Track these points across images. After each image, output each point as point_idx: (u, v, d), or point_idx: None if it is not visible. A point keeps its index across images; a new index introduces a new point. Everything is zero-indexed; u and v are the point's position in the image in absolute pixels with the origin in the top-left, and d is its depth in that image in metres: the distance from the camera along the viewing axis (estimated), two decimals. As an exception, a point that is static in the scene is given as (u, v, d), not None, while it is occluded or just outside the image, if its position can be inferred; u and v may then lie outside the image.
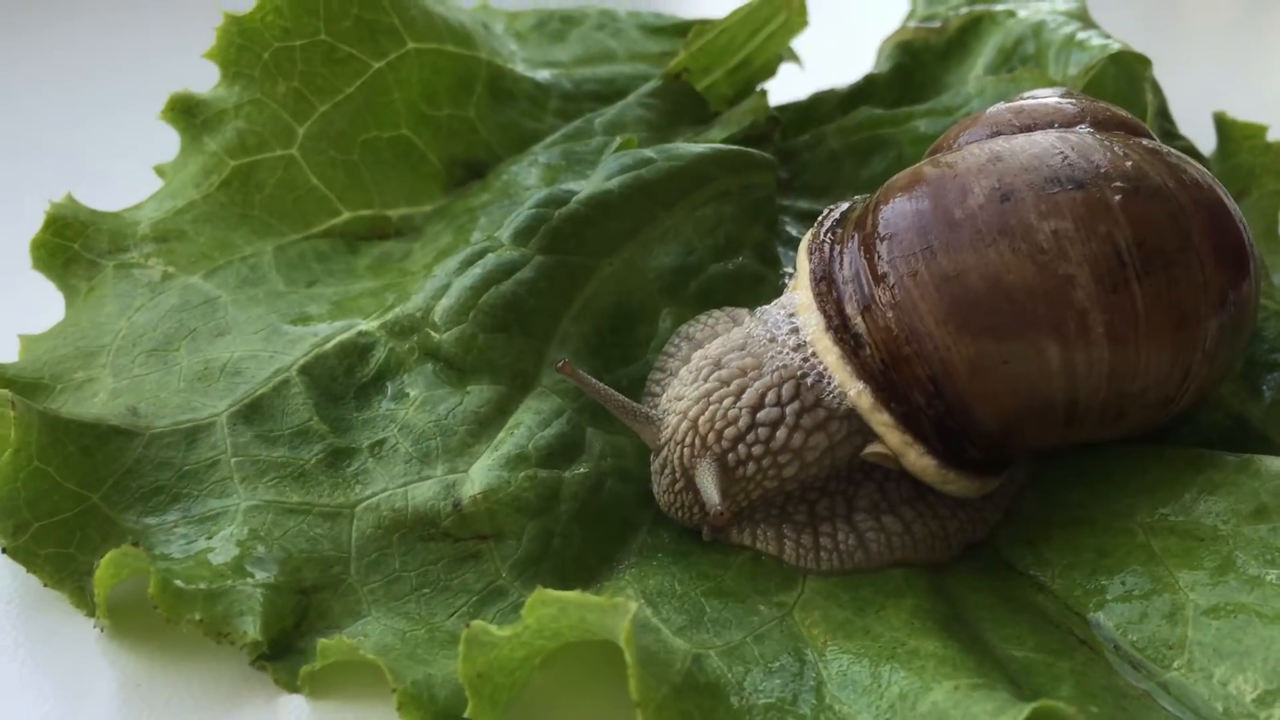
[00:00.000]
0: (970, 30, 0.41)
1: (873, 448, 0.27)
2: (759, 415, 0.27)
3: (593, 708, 0.25)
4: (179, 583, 0.25)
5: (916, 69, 0.42)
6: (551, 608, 0.23)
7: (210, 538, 0.26)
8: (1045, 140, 0.28)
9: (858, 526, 0.28)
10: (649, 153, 0.33)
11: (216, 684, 0.25)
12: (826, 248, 0.29)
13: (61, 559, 0.26)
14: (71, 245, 0.33)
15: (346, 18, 0.36)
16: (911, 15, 0.44)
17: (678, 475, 0.28)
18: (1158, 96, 0.36)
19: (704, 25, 0.41)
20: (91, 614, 0.26)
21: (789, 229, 0.36)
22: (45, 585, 0.26)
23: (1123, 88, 0.38)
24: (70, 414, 0.27)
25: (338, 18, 0.35)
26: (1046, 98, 0.30)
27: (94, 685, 0.25)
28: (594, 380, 0.28)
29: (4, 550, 0.26)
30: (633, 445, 0.29)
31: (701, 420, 0.27)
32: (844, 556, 0.27)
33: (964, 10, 0.42)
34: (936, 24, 0.42)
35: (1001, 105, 0.31)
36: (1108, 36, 0.38)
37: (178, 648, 0.26)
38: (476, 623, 0.23)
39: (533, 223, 0.31)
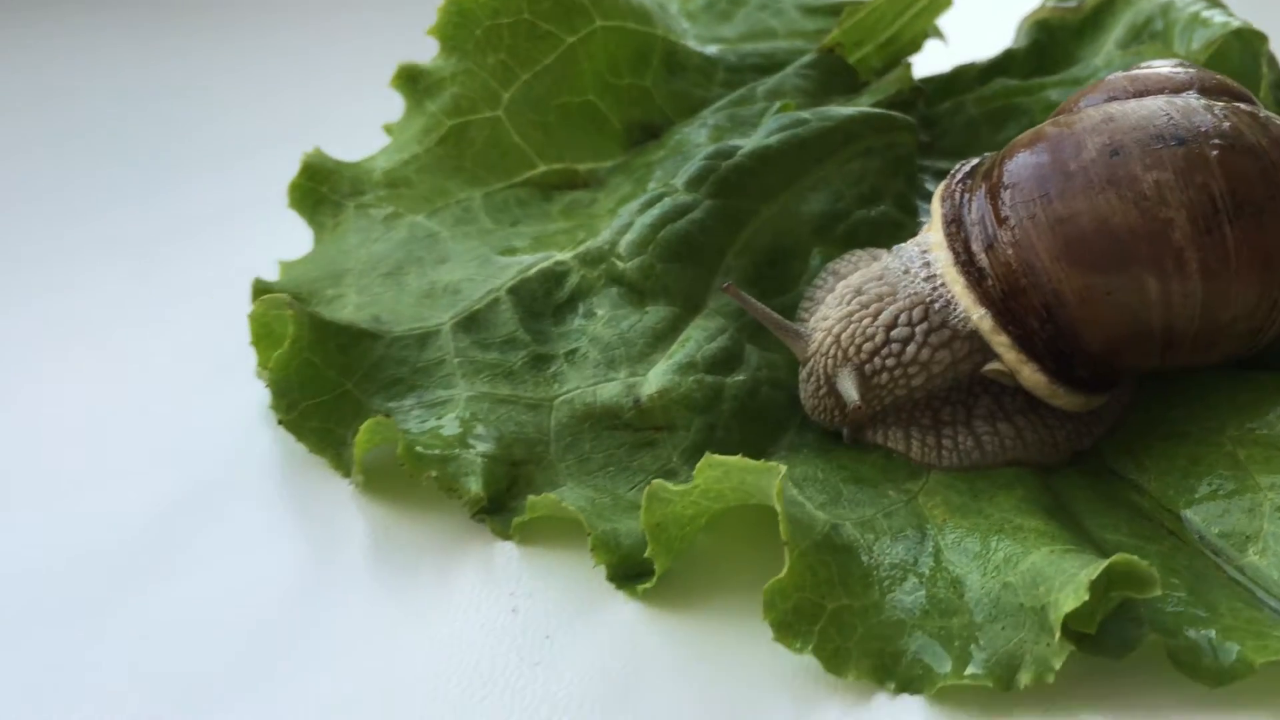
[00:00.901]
0: (1104, 9, 0.45)
1: (991, 365, 0.32)
2: (892, 333, 0.32)
3: (744, 570, 0.30)
4: (419, 448, 0.31)
5: (1052, 45, 0.46)
6: (717, 470, 0.28)
7: (440, 418, 0.33)
8: (1154, 104, 0.32)
9: (975, 430, 0.32)
10: (805, 114, 0.38)
11: (445, 531, 0.31)
12: (957, 195, 0.33)
13: (323, 431, 0.33)
14: (320, 189, 0.39)
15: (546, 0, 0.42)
16: (1050, -4, 0.48)
17: (821, 382, 0.33)
18: (1273, 69, 0.39)
19: (856, 5, 0.46)
20: (347, 475, 0.33)
21: (928, 185, 0.41)
22: (310, 451, 0.33)
23: (1246, 62, 0.41)
24: (330, 317, 0.34)
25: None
26: (1160, 67, 0.34)
27: (349, 529, 0.32)
28: (754, 300, 0.33)
29: (279, 422, 0.33)
30: (783, 359, 0.34)
31: (844, 336, 0.32)
32: (962, 455, 0.32)
33: (1098, -9, 0.45)
34: (1073, 4, 0.46)
35: (1119, 73, 0.35)
36: (1230, 15, 0.41)
37: (415, 502, 0.32)
38: (657, 481, 0.28)
39: (703, 172, 0.36)
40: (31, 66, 0.52)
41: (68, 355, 0.37)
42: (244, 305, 0.38)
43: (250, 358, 0.37)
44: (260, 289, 0.37)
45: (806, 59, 0.43)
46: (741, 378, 0.34)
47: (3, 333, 0.37)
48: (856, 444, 0.33)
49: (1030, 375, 0.32)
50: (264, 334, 0.35)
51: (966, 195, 0.33)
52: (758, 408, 0.33)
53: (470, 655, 0.28)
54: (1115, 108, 0.32)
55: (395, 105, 0.42)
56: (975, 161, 0.35)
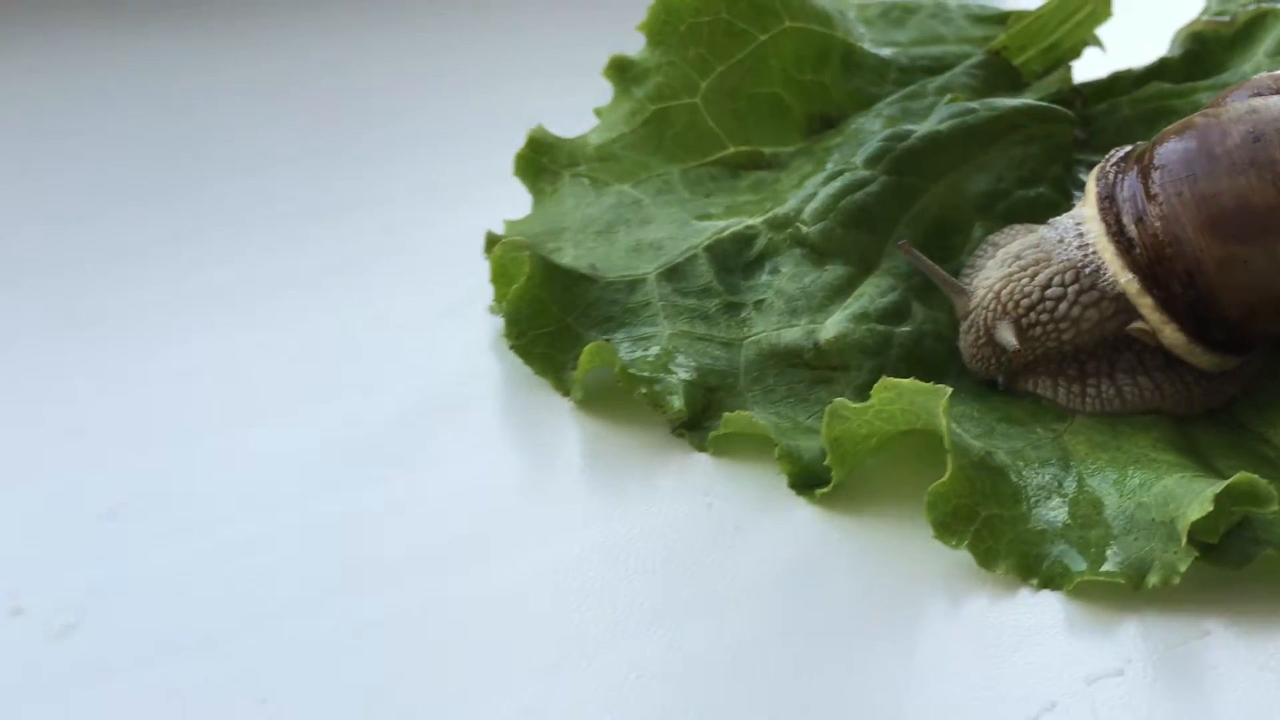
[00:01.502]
0: (1256, 23, 0.49)
1: (1135, 324, 0.36)
2: (1047, 292, 0.37)
3: (906, 488, 0.35)
4: (631, 370, 0.37)
5: (1205, 55, 0.49)
6: (890, 392, 0.33)
7: (646, 350, 0.38)
8: (1296, 99, 0.36)
9: (1118, 382, 0.36)
10: (973, 104, 0.42)
11: (648, 444, 0.37)
12: (1110, 175, 0.38)
13: (547, 357, 0.39)
14: (542, 159, 0.46)
15: (742, 2, 0.47)
16: (1205, 11, 0.51)
17: (981, 333, 0.37)
18: None
19: (1022, 13, 0.50)
20: (565, 394, 0.39)
21: (1081, 176, 0.45)
22: (535, 373, 0.39)
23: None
24: (556, 261, 0.40)
25: (736, 0, 0.47)
26: (1304, 68, 0.38)
27: (566, 439, 0.38)
28: (924, 257, 0.38)
29: (511, 347, 0.39)
30: (945, 317, 0.39)
31: (1003, 293, 0.37)
32: (1104, 402, 0.36)
33: (1251, 7, 0.49)
34: (1226, 18, 0.50)
35: (1264, 74, 0.39)
36: (1378, 27, 0.44)
37: (622, 419, 0.38)
38: (838, 400, 0.33)
39: (880, 152, 0.41)
40: (291, 55, 0.60)
41: (332, 290, 0.44)
42: (472, 258, 0.44)
43: (480, 300, 0.43)
44: (492, 240, 0.43)
45: (974, 60, 0.48)
46: (908, 329, 0.38)
47: (289, 267, 0.45)
48: (1009, 391, 0.38)
49: (1171, 335, 0.36)
50: (500, 273, 0.41)
51: (1120, 175, 0.37)
52: (921, 355, 0.38)
53: (672, 540, 0.34)
54: (1259, 101, 0.36)
55: (592, 94, 0.47)
56: (1128, 148, 0.39)
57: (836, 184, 0.41)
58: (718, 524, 0.34)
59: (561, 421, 0.38)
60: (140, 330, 0.42)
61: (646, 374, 0.37)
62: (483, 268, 0.43)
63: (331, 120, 0.54)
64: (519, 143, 0.46)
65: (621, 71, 0.47)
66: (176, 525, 0.34)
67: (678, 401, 0.37)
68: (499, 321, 0.41)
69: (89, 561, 0.33)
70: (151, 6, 0.64)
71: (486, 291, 0.43)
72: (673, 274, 0.41)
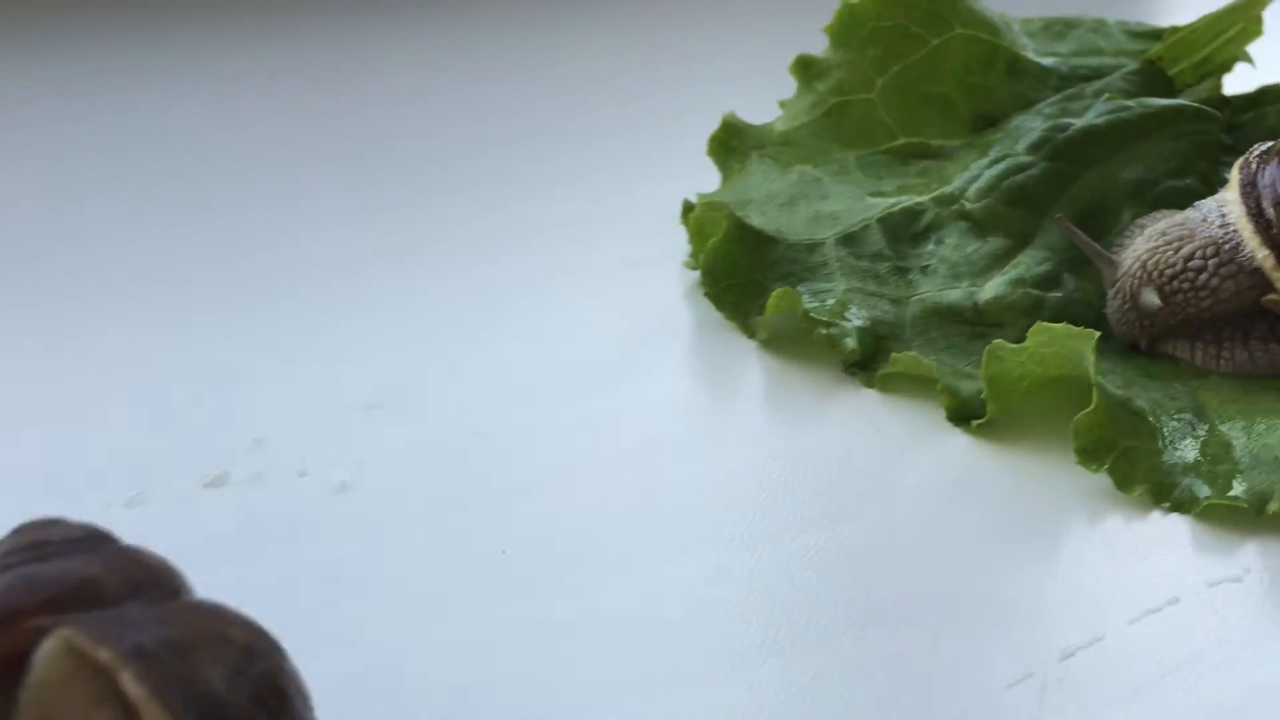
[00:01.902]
0: (1404, 44, 0.52)
1: (1270, 296, 0.40)
2: (1189, 263, 0.41)
3: (1052, 430, 0.40)
4: (812, 314, 0.42)
5: (1352, 72, 0.53)
6: (1044, 335, 0.38)
7: (824, 301, 0.44)
8: None
9: (1250, 347, 0.41)
10: (1129, 102, 0.47)
11: (824, 380, 0.42)
12: (1253, 165, 0.42)
13: (736, 304, 0.45)
14: (732, 141, 0.52)
15: (919, 9, 0.52)
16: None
17: (1127, 298, 0.42)
18: None
19: (1176, 28, 0.54)
20: (751, 336, 0.44)
21: (1226, 175, 0.49)
22: (725, 318, 0.45)
23: None
24: (750, 214, 0.46)
25: (914, 8, 0.52)
26: None
27: (750, 373, 0.43)
28: (1078, 230, 0.43)
29: (705, 294, 0.45)
30: (1094, 288, 0.44)
31: (1149, 262, 0.41)
32: (1238, 365, 0.41)
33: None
34: (1375, 39, 0.53)
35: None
36: None
37: (801, 358, 0.43)
38: (997, 341, 0.38)
39: (1041, 140, 0.46)
40: (485, 59, 0.68)
41: (553, 243, 0.51)
42: (665, 224, 0.50)
43: (672, 258, 0.49)
44: (688, 207, 0.49)
45: (1129, 68, 0.53)
46: (1059, 294, 0.43)
47: (525, 222, 0.52)
48: (1150, 353, 0.42)
49: (1302, 307, 0.40)
50: (698, 232, 0.47)
51: (1261, 165, 0.42)
52: (1070, 319, 0.43)
53: (840, 456, 0.39)
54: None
55: (775, 91, 0.53)
56: (1270, 144, 0.43)
57: (999, 167, 0.46)
58: (881, 447, 0.40)
59: (746, 359, 0.44)
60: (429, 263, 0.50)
61: (825, 319, 0.43)
62: (674, 232, 0.50)
63: (557, 104, 0.63)
64: (708, 129, 0.52)
65: (806, 68, 0.53)
66: (432, 415, 0.41)
67: (851, 343, 0.42)
68: (691, 275, 0.48)
69: (360, 440, 0.40)
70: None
71: (679, 250, 0.49)
72: (848, 240, 0.46)
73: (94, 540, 0.25)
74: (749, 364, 0.44)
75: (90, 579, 0.24)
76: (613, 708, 0.30)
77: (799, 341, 0.44)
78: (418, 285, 0.48)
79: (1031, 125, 0.50)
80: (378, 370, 0.43)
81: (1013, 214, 0.45)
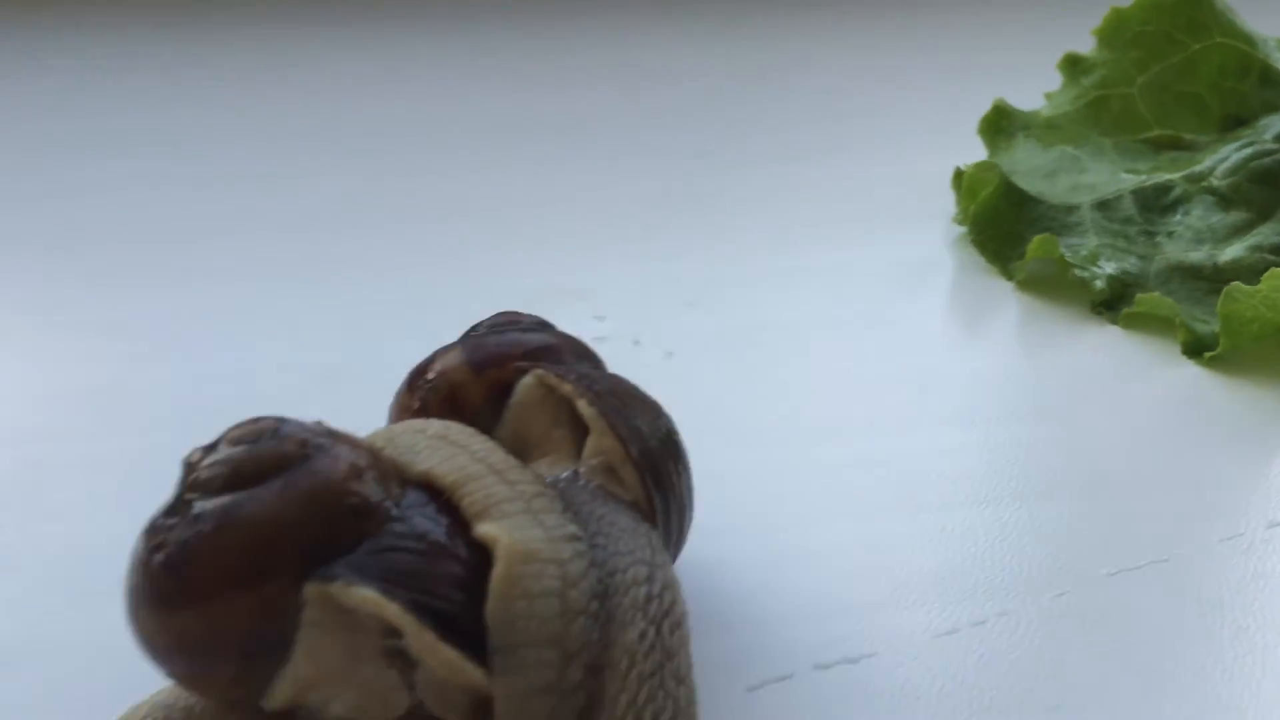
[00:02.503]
0: None
1: None
2: None
3: (1277, 378, 0.46)
4: (1068, 258, 0.49)
5: None
6: (1277, 280, 0.44)
7: (1078, 251, 0.51)
8: None
9: None
10: (1374, 103, 0.52)
11: (1072, 317, 0.49)
12: None
13: (999, 250, 0.52)
14: (1001, 122, 0.59)
15: (1182, 16, 0.59)
16: None
17: (1357, 266, 0.47)
18: None
19: None
20: (1009, 278, 0.52)
21: None
22: (987, 262, 0.52)
23: None
24: (1015, 181, 0.53)
25: (1176, 15, 0.59)
26: None
27: (1006, 308, 0.51)
28: (1315, 204, 0.49)
29: (972, 242, 0.53)
30: (1327, 260, 0.49)
31: (1380, 235, 0.47)
32: None
33: None
34: None
35: None
36: None
37: (1052, 298, 0.50)
38: (1234, 283, 0.45)
39: (1288, 131, 0.52)
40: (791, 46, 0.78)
41: (836, 201, 0.59)
42: (933, 189, 0.58)
43: (940, 215, 0.57)
44: (959, 172, 0.57)
45: (1381, 81, 0.58)
46: (1292, 261, 0.49)
47: (822, 176, 0.61)
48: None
49: None
50: (969, 190, 0.55)
51: None
52: (1302, 282, 0.48)
53: (1080, 375, 0.46)
54: None
55: (1038, 85, 0.60)
56: None
57: (1247, 151, 0.52)
58: (1120, 371, 0.46)
59: (1003, 297, 0.51)
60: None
61: (1079, 264, 0.50)
62: (941, 197, 0.58)
63: (859, 85, 0.74)
64: (975, 114, 0.59)
65: (1072, 65, 0.60)
66: (735, 310, 0.50)
67: (1101, 284, 0.49)
68: (955, 230, 0.55)
69: (681, 325, 0.49)
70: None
71: (945, 210, 0.57)
72: (1102, 206, 0.53)
73: (546, 325, 0.35)
74: (1005, 302, 0.51)
75: (553, 345, 0.34)
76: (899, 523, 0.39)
77: (1051, 285, 0.51)
78: (743, 212, 0.58)
79: (1277, 129, 0.56)
80: (697, 276, 0.52)
81: (1256, 191, 0.51)
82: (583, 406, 0.31)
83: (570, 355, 0.34)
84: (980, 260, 0.53)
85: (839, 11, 0.84)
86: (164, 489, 0.28)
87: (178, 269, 0.53)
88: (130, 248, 0.55)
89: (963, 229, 0.55)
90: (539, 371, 0.32)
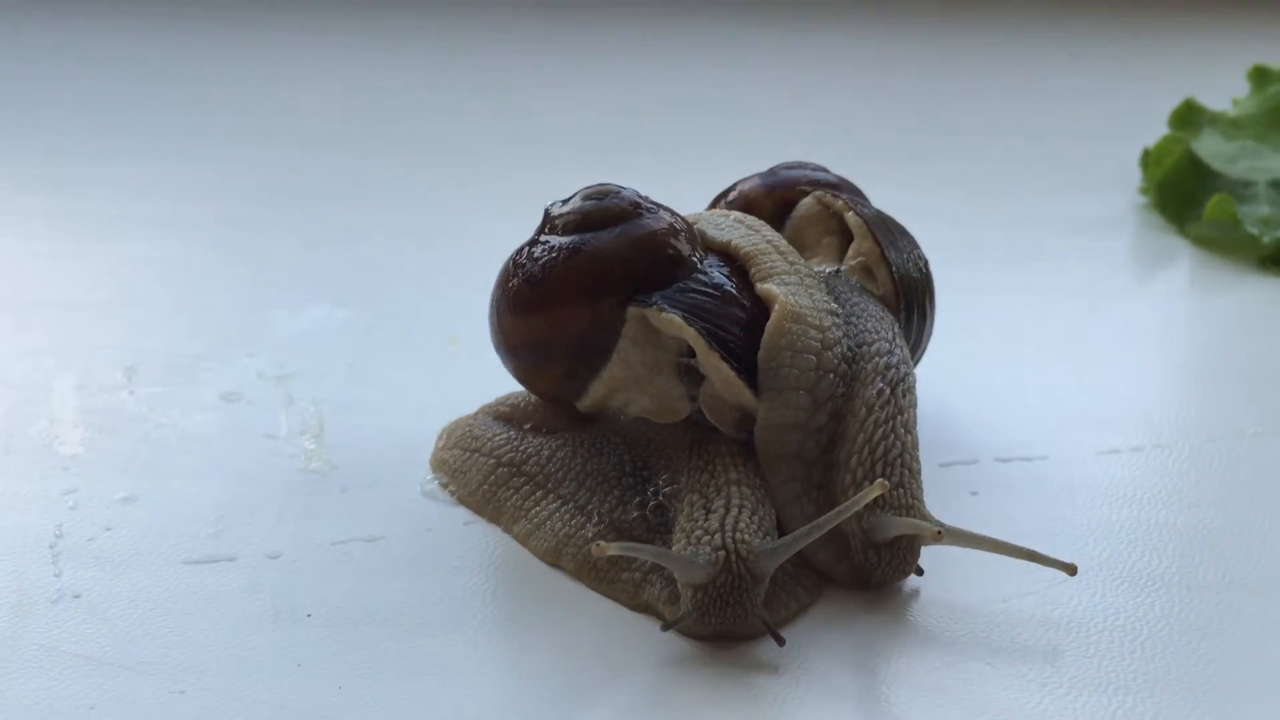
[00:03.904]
0: None
1: None
2: None
3: None
4: (1242, 219, 0.56)
5: None
6: None
7: (1250, 216, 0.58)
8: None
9: None
10: None
11: (1236, 269, 0.56)
12: None
13: (1177, 211, 0.60)
14: (1190, 116, 0.66)
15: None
16: None
17: None
18: None
19: None
20: (1183, 234, 0.59)
21: None
22: (1166, 220, 0.60)
23: None
24: (1197, 155, 0.61)
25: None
26: None
27: (1180, 256, 0.58)
28: None
29: (1153, 204, 0.60)
30: None
31: None
32: None
33: None
34: None
35: None
36: None
37: (1222, 253, 0.57)
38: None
39: None
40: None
41: (1032, 170, 0.68)
42: (1118, 170, 0.66)
43: (1124, 188, 0.64)
44: (1146, 153, 0.65)
45: None
46: None
47: (1023, 155, 0.71)
48: None
49: None
50: (1156, 160, 0.62)
51: None
52: None
53: (1256, 323, 0.53)
54: None
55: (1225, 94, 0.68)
56: None
57: None
58: (1266, 314, 0.53)
59: (1178, 250, 0.59)
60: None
61: (1251, 223, 0.57)
62: (1125, 175, 0.65)
63: (1060, 84, 0.82)
64: (1163, 109, 0.67)
65: (1260, 75, 0.67)
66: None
67: (1267, 238, 0.56)
68: (1137, 199, 0.63)
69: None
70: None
71: (1129, 184, 0.65)
72: (1276, 185, 0.60)
73: (822, 169, 0.43)
74: (1179, 254, 0.58)
75: (832, 181, 0.42)
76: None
77: (1223, 245, 0.58)
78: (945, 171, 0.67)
79: None
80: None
81: None
82: (850, 217, 0.39)
83: (847, 190, 0.42)
84: (1160, 222, 0.60)
85: (1042, 11, 0.94)
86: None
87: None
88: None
89: (1145, 200, 0.63)
90: (818, 193, 0.41)
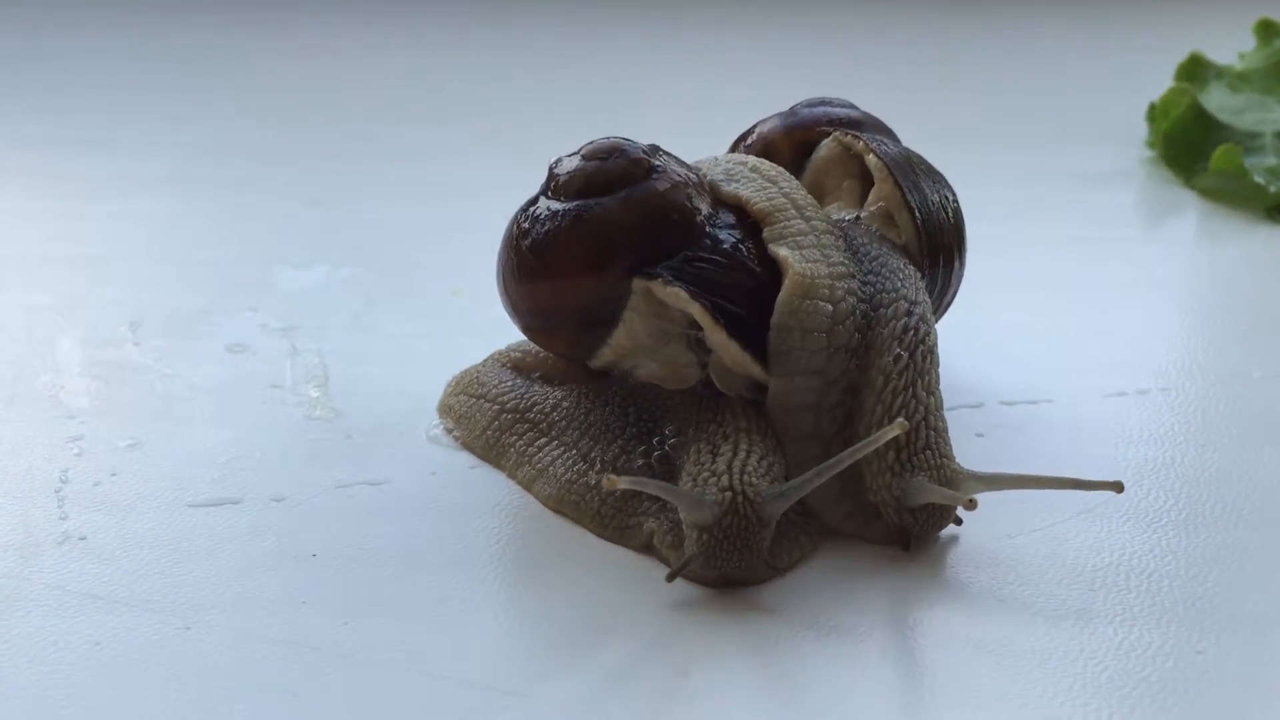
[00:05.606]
0: None
1: None
2: None
3: None
4: (1248, 168, 0.56)
5: None
6: None
7: (1257, 166, 0.57)
8: None
9: None
10: None
11: (1240, 218, 0.56)
12: None
13: (1182, 162, 0.59)
14: (1197, 69, 0.65)
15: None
16: None
17: None
18: None
19: None
20: (1189, 186, 0.59)
21: None
22: (1171, 171, 0.59)
23: None
24: (1203, 106, 0.60)
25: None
26: None
27: (1184, 205, 0.57)
28: None
29: (1158, 155, 0.60)
30: None
31: None
32: None
33: None
34: None
35: None
36: None
37: (1227, 204, 0.57)
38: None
39: None
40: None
41: (1043, 127, 0.68)
42: (1123, 126, 0.65)
43: (1131, 142, 0.64)
44: (1152, 107, 0.64)
45: None
46: None
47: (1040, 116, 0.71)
48: None
49: None
50: (1162, 111, 0.62)
51: None
52: None
53: (1262, 271, 0.53)
54: None
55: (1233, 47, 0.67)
56: None
57: None
58: (1273, 263, 0.52)
59: (1185, 202, 0.58)
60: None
61: (1258, 174, 0.56)
62: (1131, 129, 0.65)
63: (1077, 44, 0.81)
64: (1167, 67, 0.66)
65: (1266, 29, 0.67)
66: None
67: (1274, 188, 0.55)
68: (1144, 153, 0.63)
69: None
70: None
71: (1135, 138, 0.64)
72: (1275, 139, 0.59)
73: (847, 104, 0.42)
74: (1184, 204, 0.58)
75: (856, 119, 0.40)
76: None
77: (1229, 196, 0.57)
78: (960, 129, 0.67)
79: None
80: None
81: None
82: (870, 160, 0.38)
83: (870, 127, 0.40)
84: (1167, 175, 0.60)
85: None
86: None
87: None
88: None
89: (1152, 153, 0.62)
90: (837, 134, 0.39)
